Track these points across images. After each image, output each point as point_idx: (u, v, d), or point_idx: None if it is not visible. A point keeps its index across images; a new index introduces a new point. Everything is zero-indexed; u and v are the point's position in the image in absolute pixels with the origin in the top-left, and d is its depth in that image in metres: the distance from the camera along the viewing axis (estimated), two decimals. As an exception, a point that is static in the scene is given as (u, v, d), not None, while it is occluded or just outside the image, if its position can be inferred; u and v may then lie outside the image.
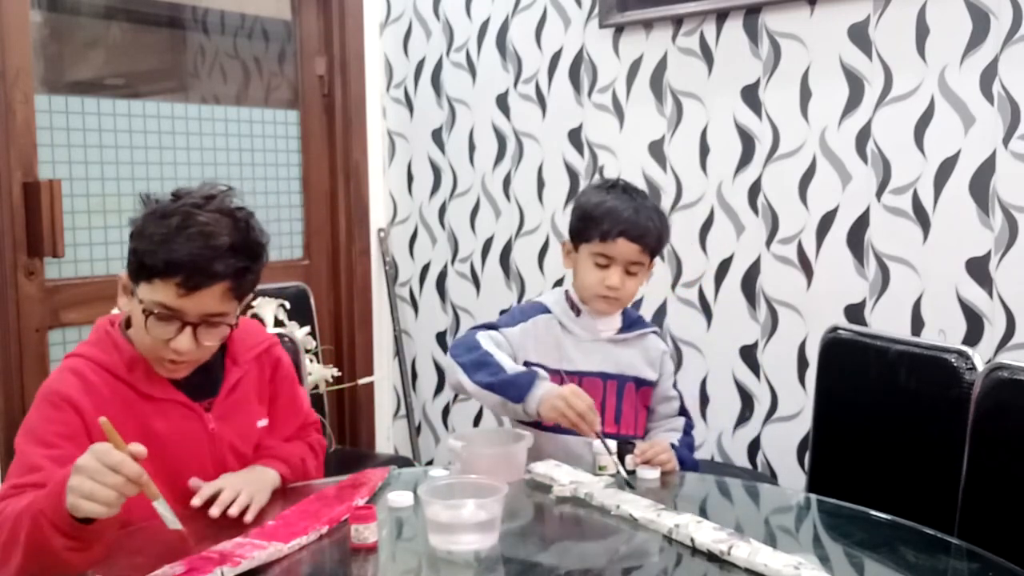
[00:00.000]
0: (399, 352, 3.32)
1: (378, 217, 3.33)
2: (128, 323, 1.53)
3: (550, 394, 1.66)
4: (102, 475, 1.19)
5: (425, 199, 3.26)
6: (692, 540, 1.32)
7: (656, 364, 1.92)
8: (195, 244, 1.40)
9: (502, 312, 1.94)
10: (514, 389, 1.70)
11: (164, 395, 1.51)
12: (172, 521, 1.25)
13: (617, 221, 1.80)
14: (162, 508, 1.25)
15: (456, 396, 3.24)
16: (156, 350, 1.46)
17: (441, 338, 3.26)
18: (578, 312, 1.88)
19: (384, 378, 3.35)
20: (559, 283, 2.94)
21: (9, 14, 2.43)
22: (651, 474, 1.64)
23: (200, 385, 1.55)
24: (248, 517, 1.43)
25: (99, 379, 1.47)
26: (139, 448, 1.23)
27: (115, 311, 1.60)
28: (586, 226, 1.84)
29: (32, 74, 2.49)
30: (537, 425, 1.78)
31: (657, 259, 1.91)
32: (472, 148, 3.13)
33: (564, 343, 1.86)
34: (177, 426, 1.51)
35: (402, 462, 2.95)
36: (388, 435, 3.37)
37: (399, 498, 1.49)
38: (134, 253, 1.46)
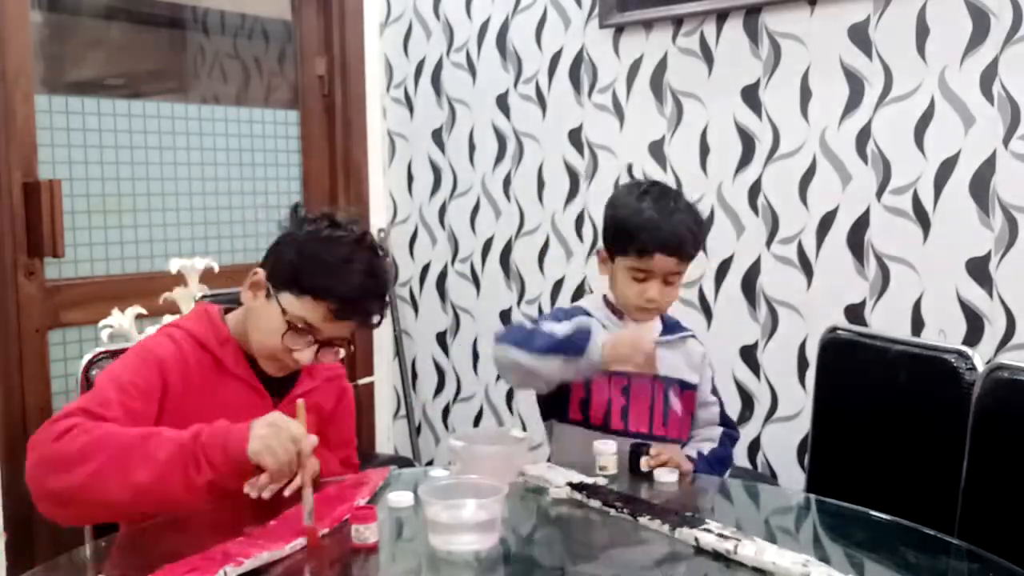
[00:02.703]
0: (399, 352, 3.32)
1: (378, 217, 3.33)
2: (226, 312, 1.65)
3: (612, 338, 1.67)
4: (287, 443, 1.37)
5: (425, 199, 3.26)
6: (696, 540, 1.31)
7: (697, 367, 1.90)
8: (362, 281, 1.54)
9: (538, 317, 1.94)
10: (572, 345, 1.66)
11: (246, 377, 1.61)
12: (307, 516, 1.32)
13: (653, 237, 1.74)
14: (308, 499, 1.34)
15: (456, 396, 3.24)
16: (276, 351, 1.57)
17: (441, 338, 3.26)
18: (620, 315, 1.84)
19: (384, 378, 3.35)
20: (560, 283, 2.94)
21: (9, 14, 2.43)
22: (669, 477, 1.61)
23: (275, 381, 1.64)
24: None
25: (190, 348, 1.58)
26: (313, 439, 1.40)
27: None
28: (621, 239, 1.79)
29: (32, 74, 2.49)
30: (577, 423, 1.80)
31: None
32: (472, 148, 3.13)
33: None
34: (246, 407, 1.58)
35: (402, 462, 2.95)
36: (388, 435, 3.37)
37: (399, 498, 1.49)
38: (292, 266, 1.55)
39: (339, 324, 1.56)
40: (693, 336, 1.93)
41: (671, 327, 1.91)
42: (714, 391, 1.94)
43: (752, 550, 1.25)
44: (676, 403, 1.77)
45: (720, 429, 1.92)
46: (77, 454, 1.37)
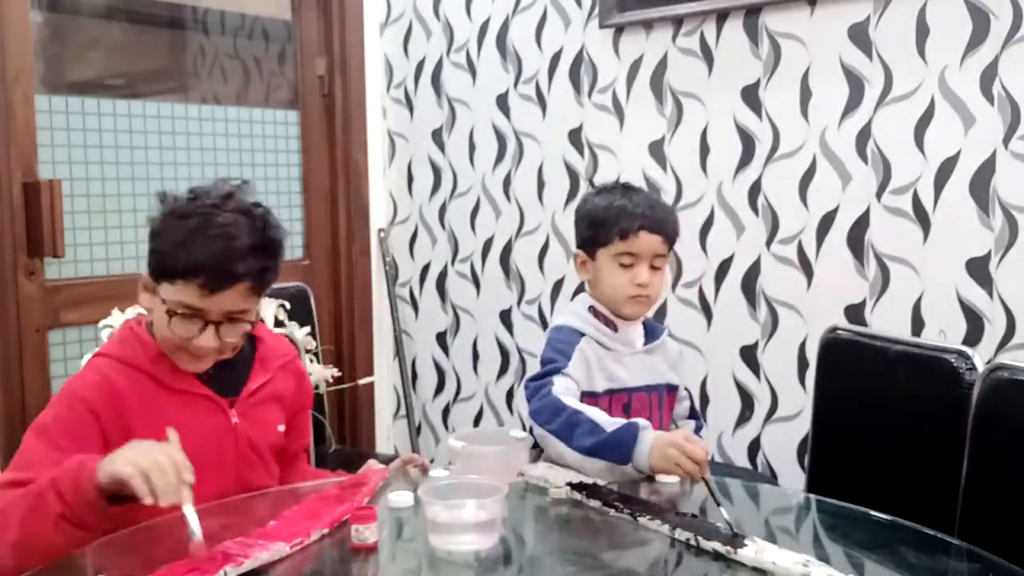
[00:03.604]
0: (399, 352, 3.32)
1: (378, 217, 3.33)
2: (152, 323, 1.57)
3: (660, 442, 1.57)
4: (154, 452, 1.28)
5: (425, 199, 3.26)
6: (697, 540, 1.31)
7: (675, 365, 1.91)
8: (216, 246, 1.44)
9: (547, 354, 1.80)
10: (617, 450, 1.60)
11: (189, 388, 1.55)
12: (196, 532, 1.24)
13: (635, 216, 1.77)
14: (191, 516, 1.26)
15: (456, 396, 3.24)
16: (174, 345, 1.51)
17: (441, 338, 3.26)
18: (615, 328, 1.82)
19: (384, 378, 3.35)
20: (560, 283, 2.94)
21: (9, 14, 2.43)
22: (671, 478, 1.60)
23: (225, 383, 1.59)
24: None
25: (122, 376, 1.51)
26: (171, 432, 1.33)
27: (129, 311, 1.63)
28: (601, 230, 1.79)
29: (32, 74, 2.49)
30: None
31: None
32: (472, 148, 3.13)
33: (606, 362, 1.80)
34: (201, 419, 1.55)
35: (402, 462, 2.94)
36: (388, 435, 3.37)
37: (399, 498, 1.49)
38: (155, 253, 1.49)
39: (219, 297, 1.46)
40: (668, 333, 1.94)
41: (651, 330, 1.90)
42: (685, 387, 1.95)
43: (752, 550, 1.25)
44: (726, 516, 1.64)
45: (692, 423, 1.93)
46: None
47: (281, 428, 1.68)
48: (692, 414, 1.96)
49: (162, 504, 1.25)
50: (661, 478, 1.61)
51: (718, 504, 1.41)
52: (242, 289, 1.47)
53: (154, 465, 1.26)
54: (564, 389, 1.71)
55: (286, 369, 1.70)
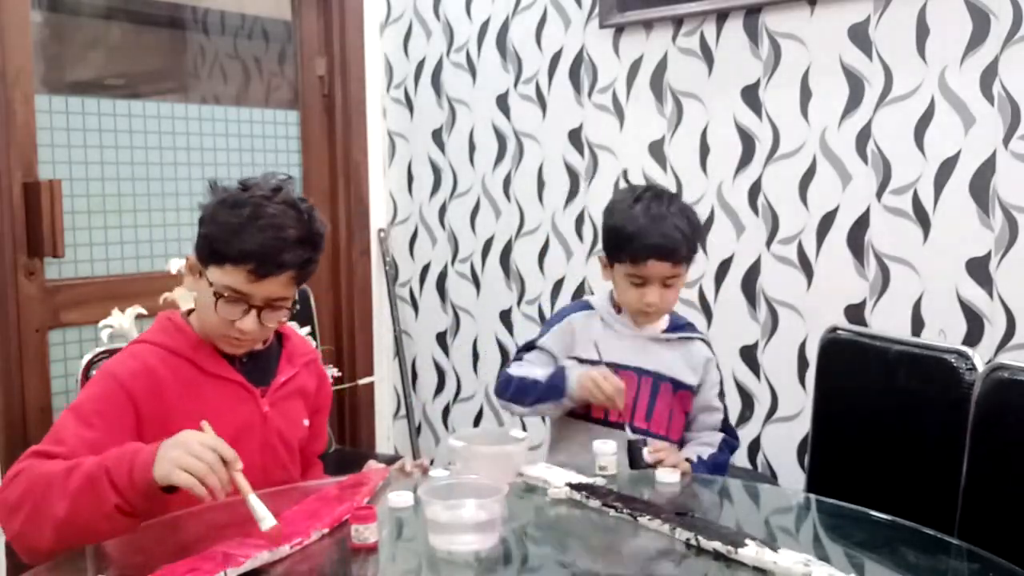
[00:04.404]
0: (399, 352, 3.32)
1: (378, 217, 3.33)
2: (189, 312, 1.64)
3: (582, 375, 1.78)
4: (200, 451, 1.30)
5: (425, 199, 3.26)
6: (697, 540, 1.31)
7: (699, 370, 1.91)
8: (267, 235, 1.51)
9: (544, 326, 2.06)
10: (554, 391, 1.84)
11: (226, 375, 1.60)
12: (266, 518, 1.29)
13: (647, 246, 1.79)
14: (255, 504, 1.30)
15: (456, 396, 3.24)
16: (221, 327, 1.56)
17: (441, 338, 3.26)
18: (619, 310, 1.92)
19: (384, 378, 3.35)
20: (560, 283, 2.94)
21: (9, 14, 2.43)
22: (671, 478, 1.62)
23: (257, 373, 1.64)
24: None
25: (161, 361, 1.56)
26: (204, 425, 1.37)
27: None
28: (617, 247, 1.85)
29: (32, 74, 2.49)
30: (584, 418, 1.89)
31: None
32: (472, 148, 3.13)
33: (603, 337, 1.89)
34: (234, 405, 1.60)
35: (402, 462, 2.94)
36: (388, 435, 3.37)
37: (399, 498, 1.49)
38: (206, 239, 1.55)
39: (265, 283, 1.53)
40: (702, 339, 1.95)
41: (678, 327, 1.94)
42: (721, 396, 1.95)
43: (753, 550, 1.25)
44: (630, 435, 1.77)
45: (720, 435, 1.92)
46: (16, 501, 1.38)
47: (306, 423, 1.73)
48: (724, 428, 1.95)
49: (220, 500, 1.32)
50: (661, 478, 1.61)
51: (641, 443, 1.69)
52: (285, 278, 1.54)
53: (203, 466, 1.30)
54: (517, 366, 1.93)
55: (309, 368, 1.75)
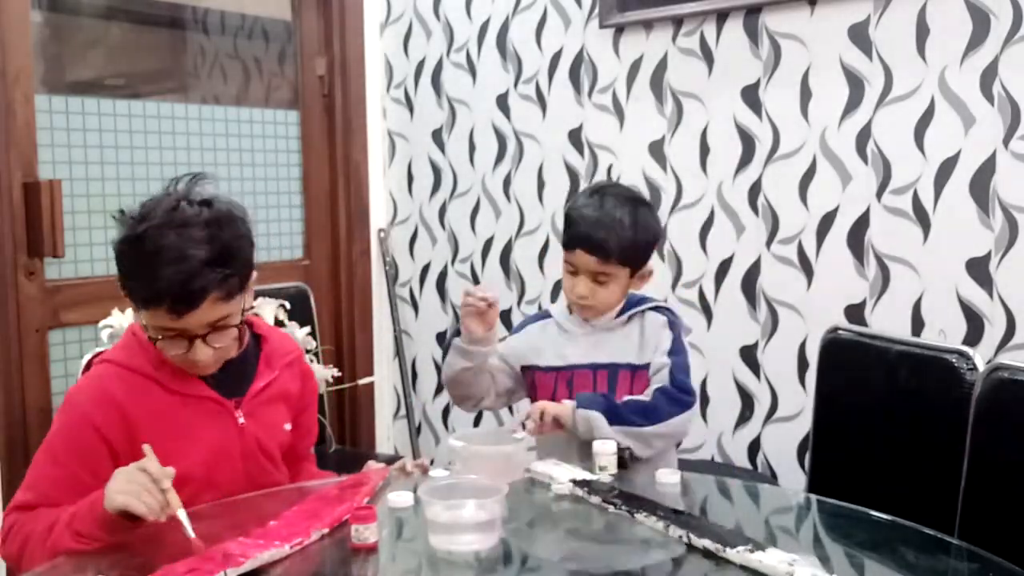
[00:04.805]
0: (399, 352, 3.32)
1: (378, 217, 3.33)
2: None
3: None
4: (134, 474, 1.33)
5: (425, 199, 3.26)
6: (689, 537, 1.32)
7: (653, 339, 1.85)
8: (169, 271, 1.40)
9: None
10: (447, 342, 1.89)
11: (194, 392, 1.55)
12: (190, 531, 1.30)
13: (576, 232, 1.82)
14: (183, 518, 1.31)
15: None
16: (179, 361, 1.52)
17: (441, 338, 3.26)
18: (571, 310, 1.92)
19: (384, 378, 3.35)
20: (559, 283, 2.93)
21: (9, 14, 2.43)
22: (672, 478, 1.61)
23: (230, 383, 1.59)
24: None
25: (122, 384, 1.52)
26: (169, 470, 1.35)
27: (129, 311, 1.65)
28: (564, 232, 1.89)
29: (32, 74, 2.49)
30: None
31: (656, 261, 1.90)
32: (472, 148, 3.13)
33: (559, 341, 1.90)
34: (208, 421, 1.56)
35: (402, 462, 2.94)
36: (388, 435, 3.37)
37: (399, 498, 1.49)
38: (120, 282, 1.47)
39: (191, 315, 1.43)
40: (656, 307, 1.89)
41: (627, 307, 1.88)
42: (674, 353, 1.84)
43: (740, 549, 1.26)
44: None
45: (656, 388, 1.81)
46: (16, 558, 1.45)
47: (288, 427, 1.68)
48: (674, 381, 1.80)
49: (160, 519, 1.32)
50: (662, 478, 1.61)
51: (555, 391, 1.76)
52: (211, 301, 1.43)
53: (140, 488, 1.31)
54: None
55: (291, 367, 1.70)
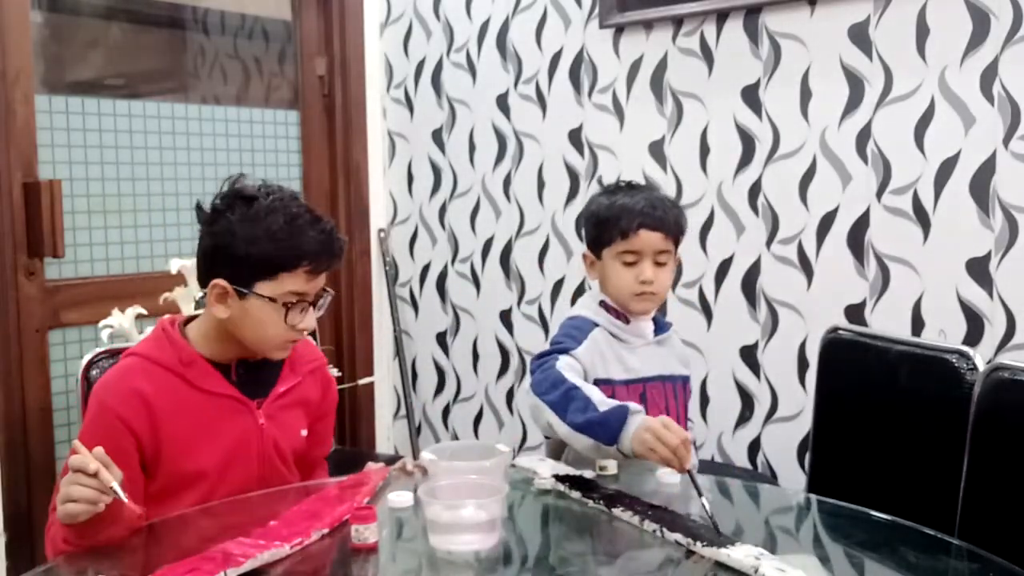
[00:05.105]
0: (399, 352, 3.32)
1: (378, 217, 3.33)
2: (187, 321, 1.63)
3: (640, 427, 1.53)
4: (68, 480, 1.32)
5: (425, 199, 3.26)
6: (662, 531, 1.35)
7: (683, 356, 1.93)
8: (315, 231, 1.54)
9: (558, 337, 1.84)
10: (605, 430, 1.58)
11: (218, 390, 1.58)
12: (123, 496, 1.31)
13: (634, 214, 1.78)
14: (117, 488, 1.30)
15: (456, 396, 3.24)
16: (285, 335, 1.57)
17: (441, 338, 3.26)
18: (626, 320, 1.84)
19: (384, 378, 3.35)
20: (560, 283, 2.94)
21: (9, 14, 2.43)
22: (672, 479, 1.61)
23: (253, 384, 1.62)
24: None
25: (149, 379, 1.55)
26: (98, 449, 1.33)
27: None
28: (604, 230, 1.82)
29: (32, 74, 2.49)
30: None
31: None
32: (472, 148, 3.13)
33: (621, 352, 1.82)
34: (229, 420, 1.59)
35: (402, 462, 2.94)
36: (388, 435, 3.37)
37: (399, 498, 1.49)
38: (249, 258, 1.52)
39: (320, 279, 1.57)
40: (671, 325, 1.95)
41: (660, 325, 1.91)
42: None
43: (710, 542, 1.29)
44: (707, 506, 1.54)
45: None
46: (52, 557, 1.44)
47: (303, 433, 1.70)
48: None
49: (100, 506, 1.31)
50: (662, 476, 1.61)
51: (700, 495, 1.42)
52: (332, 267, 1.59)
53: (71, 487, 1.31)
54: (567, 366, 1.71)
55: (314, 375, 1.73)
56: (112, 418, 1.51)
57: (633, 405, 1.59)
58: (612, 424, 1.57)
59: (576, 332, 1.80)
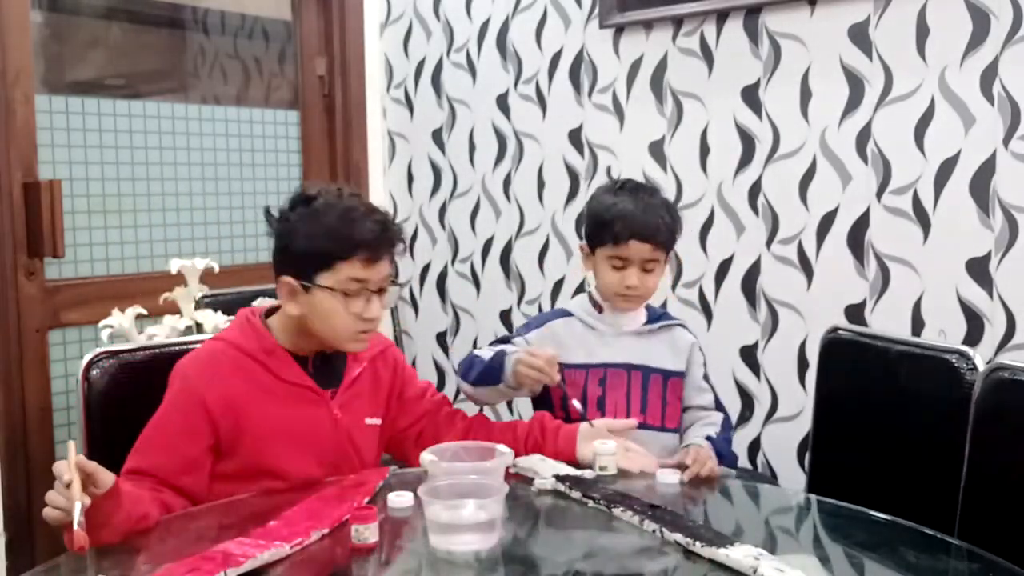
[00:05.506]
0: (399, 352, 3.32)
1: (378, 217, 3.32)
2: (269, 313, 1.69)
3: (514, 359, 1.76)
4: (50, 496, 1.31)
5: (425, 199, 3.26)
6: (661, 532, 1.35)
7: (684, 355, 1.93)
8: (369, 221, 1.60)
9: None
10: (492, 373, 1.81)
11: (296, 380, 1.63)
12: (75, 521, 1.24)
13: (627, 224, 1.83)
14: (77, 510, 1.24)
15: (456, 396, 3.23)
16: (353, 325, 1.61)
17: (441, 338, 3.26)
18: (600, 310, 1.92)
19: (384, 378, 3.34)
20: (560, 283, 2.94)
21: (9, 14, 2.43)
22: (671, 479, 1.62)
23: (327, 375, 1.68)
24: None
25: (234, 365, 1.61)
26: (70, 443, 1.33)
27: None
28: (598, 231, 1.87)
29: (32, 74, 2.49)
30: (561, 419, 1.82)
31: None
32: (472, 148, 3.13)
33: (588, 339, 1.89)
34: (306, 410, 1.63)
35: (402, 462, 2.94)
36: (388, 435, 3.37)
37: (399, 498, 1.49)
38: (309, 251, 1.60)
39: (378, 266, 1.61)
40: (682, 326, 1.97)
41: (656, 317, 1.95)
42: (706, 377, 1.97)
43: (709, 543, 1.28)
44: (577, 405, 1.79)
45: (720, 415, 1.94)
46: None
47: (369, 421, 1.74)
48: (718, 407, 1.96)
49: (72, 520, 1.25)
50: (660, 477, 1.62)
51: (565, 395, 1.72)
52: (392, 253, 1.65)
53: (50, 491, 1.30)
54: (485, 348, 1.89)
55: (376, 361, 1.77)
56: (194, 398, 1.57)
57: (509, 348, 1.83)
58: (495, 366, 1.80)
59: (535, 322, 1.97)
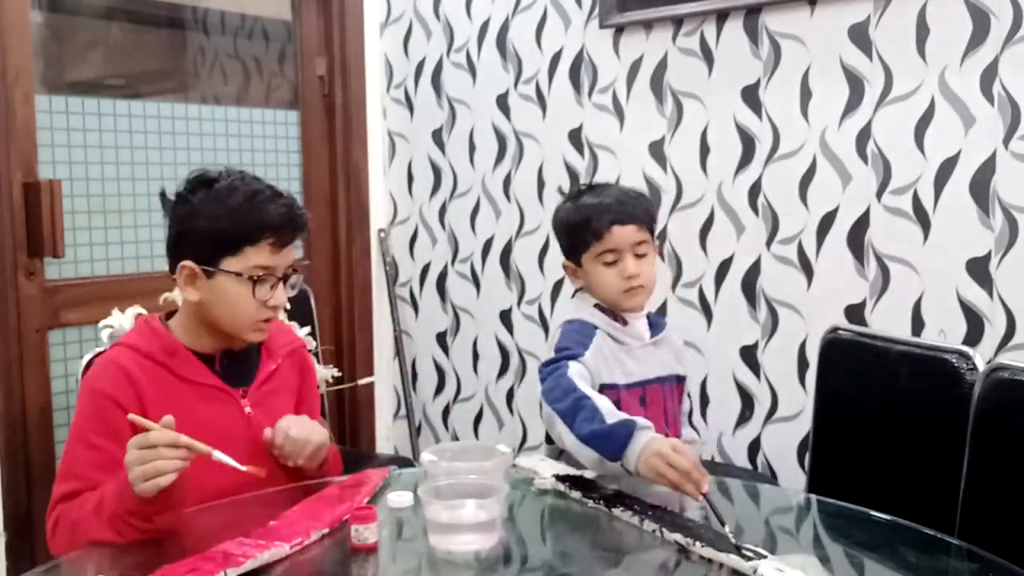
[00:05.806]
0: (399, 352, 3.32)
1: (378, 218, 3.33)
2: (168, 316, 1.65)
3: (648, 450, 1.48)
4: (145, 456, 1.32)
5: (425, 199, 3.26)
6: (661, 531, 1.35)
7: (681, 358, 1.93)
8: (276, 205, 1.56)
9: (563, 342, 1.80)
10: (610, 444, 1.53)
11: (203, 380, 1.59)
12: (236, 465, 1.35)
13: (601, 213, 1.79)
14: (222, 457, 1.35)
15: (456, 396, 3.24)
16: (256, 313, 1.57)
17: (441, 338, 3.26)
18: (624, 322, 1.83)
19: (384, 378, 3.35)
20: (560, 283, 2.94)
21: (9, 14, 2.43)
22: None
23: (236, 374, 1.63)
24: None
25: (138, 367, 1.56)
26: (167, 418, 1.34)
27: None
28: (577, 235, 1.82)
29: (32, 74, 2.49)
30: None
31: (656, 261, 1.89)
32: (472, 148, 3.13)
33: (621, 356, 1.81)
34: (215, 410, 1.59)
35: (402, 462, 2.94)
36: (388, 435, 3.37)
37: (399, 498, 1.49)
38: (209, 235, 1.54)
39: (285, 252, 1.57)
40: (666, 324, 1.95)
41: (655, 323, 1.91)
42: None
43: (708, 543, 1.29)
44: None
45: (692, 431, 1.95)
46: (67, 548, 1.44)
47: None
48: (689, 420, 1.96)
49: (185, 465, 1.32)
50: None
51: (722, 523, 1.35)
52: (296, 240, 1.60)
53: (160, 461, 1.31)
54: (577, 373, 1.68)
55: (291, 358, 1.73)
56: (107, 401, 1.52)
57: (641, 420, 1.54)
58: (617, 438, 1.52)
59: (580, 337, 1.78)
